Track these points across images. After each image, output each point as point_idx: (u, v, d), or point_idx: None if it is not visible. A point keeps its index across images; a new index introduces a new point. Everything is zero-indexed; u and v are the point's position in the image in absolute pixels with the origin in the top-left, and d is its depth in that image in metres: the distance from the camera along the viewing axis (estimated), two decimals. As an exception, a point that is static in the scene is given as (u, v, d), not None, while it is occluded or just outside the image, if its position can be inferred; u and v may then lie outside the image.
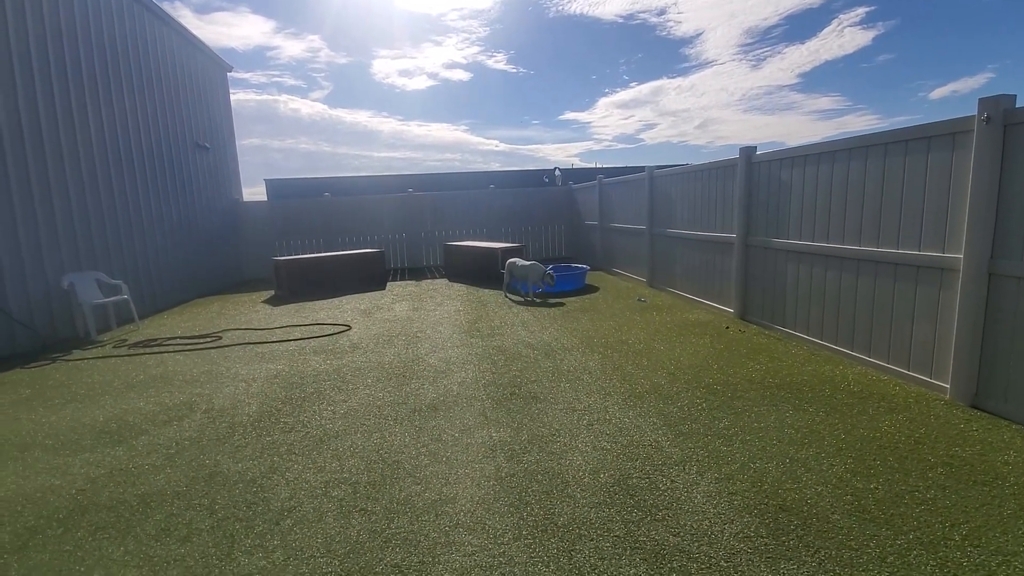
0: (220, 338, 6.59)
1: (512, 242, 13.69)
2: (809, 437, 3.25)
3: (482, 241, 12.99)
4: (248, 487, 2.99)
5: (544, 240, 14.71)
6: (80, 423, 4.02)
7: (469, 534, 2.44)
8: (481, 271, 10.44)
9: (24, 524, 2.71)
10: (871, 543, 2.26)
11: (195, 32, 10.88)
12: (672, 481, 2.82)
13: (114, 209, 7.97)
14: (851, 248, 4.55)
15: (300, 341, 6.24)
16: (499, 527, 2.48)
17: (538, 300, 8.18)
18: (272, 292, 10.33)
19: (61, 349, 6.36)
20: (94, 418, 4.11)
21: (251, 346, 6.13)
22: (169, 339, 6.64)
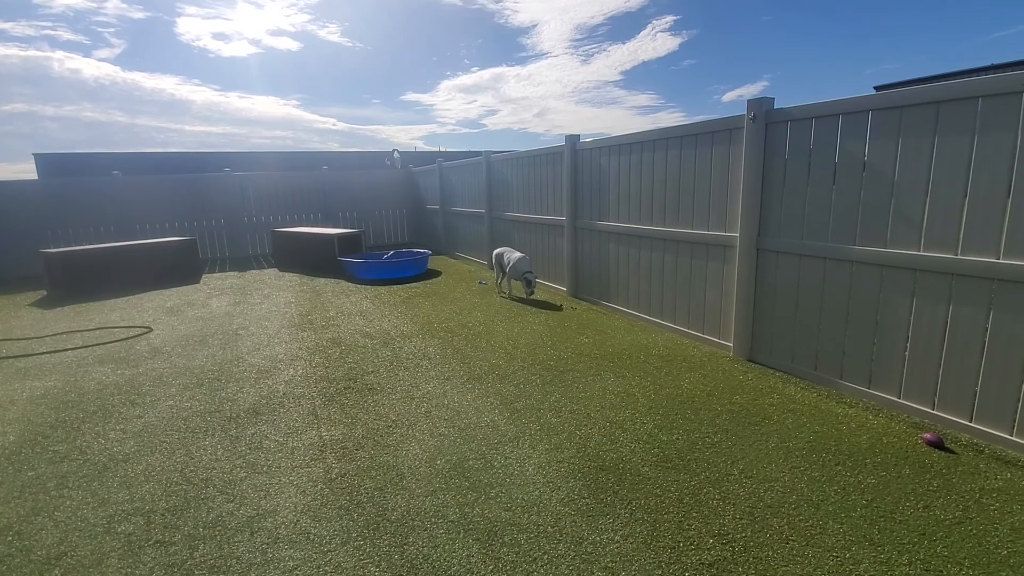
0: (-39, 354, 5.18)
1: (351, 227, 13.00)
2: (626, 400, 3.58)
3: (317, 227, 12.08)
4: (1, 537, 2.38)
5: (386, 225, 14.20)
6: None
7: (290, 548, 2.22)
8: (316, 259, 9.71)
9: None
10: (672, 488, 2.55)
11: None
12: (506, 458, 2.89)
13: None
14: (659, 229, 5.10)
15: (81, 350, 5.17)
16: (325, 534, 2.30)
17: (505, 295, 7.11)
18: (44, 293, 8.43)
19: None
20: None
21: (9, 360, 4.91)
22: None
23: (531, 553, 2.14)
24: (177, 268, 9.36)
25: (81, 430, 3.42)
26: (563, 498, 2.51)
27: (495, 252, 7.25)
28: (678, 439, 3.03)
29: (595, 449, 2.95)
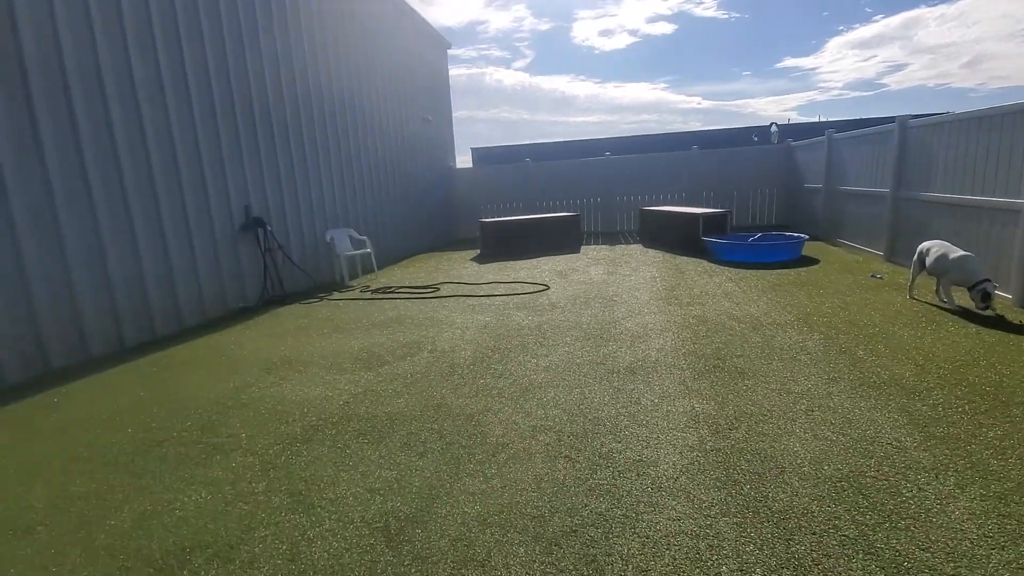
0: (438, 289, 7.50)
1: (715, 207, 12.73)
2: None
3: (681, 206, 12.31)
4: (468, 421, 3.40)
5: (751, 205, 13.35)
6: (342, 350, 5.01)
7: (672, 499, 2.44)
8: (679, 237, 9.95)
9: (308, 423, 3.51)
10: None
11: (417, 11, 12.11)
12: (920, 489, 2.41)
13: (361, 176, 9.52)
14: None
15: (504, 297, 6.77)
16: (704, 499, 2.43)
17: (950, 306, 5.15)
18: (478, 251, 11.33)
19: (325, 290, 7.94)
20: (351, 347, 5.08)
21: (463, 298, 6.86)
22: (399, 288, 7.80)
23: (962, 611, 1.76)
24: (564, 239, 11.11)
25: (509, 357, 4.52)
26: (1010, 562, 1.94)
27: (920, 246, 5.51)
28: None
29: (1074, 519, 2.15)
